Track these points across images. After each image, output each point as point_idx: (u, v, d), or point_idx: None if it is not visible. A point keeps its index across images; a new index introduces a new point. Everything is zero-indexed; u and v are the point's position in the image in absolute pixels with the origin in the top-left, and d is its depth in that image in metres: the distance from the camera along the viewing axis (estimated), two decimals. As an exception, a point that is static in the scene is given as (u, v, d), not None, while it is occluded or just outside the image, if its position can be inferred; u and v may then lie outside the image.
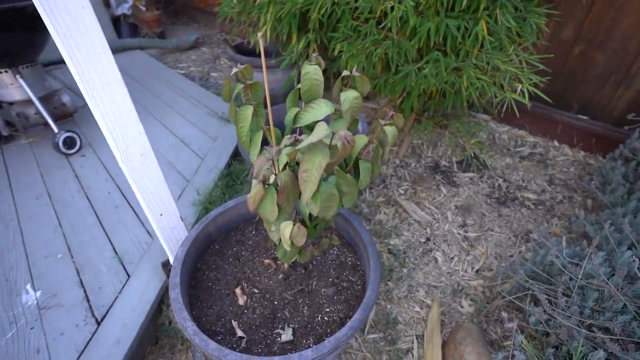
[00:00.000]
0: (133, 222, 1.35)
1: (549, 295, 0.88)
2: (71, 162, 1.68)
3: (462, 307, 1.16)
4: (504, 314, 0.91)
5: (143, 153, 0.84)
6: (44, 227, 1.34)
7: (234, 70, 0.60)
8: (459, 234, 1.42)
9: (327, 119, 1.42)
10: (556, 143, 1.84)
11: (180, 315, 0.74)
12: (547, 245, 1.05)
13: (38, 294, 1.11)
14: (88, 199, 1.47)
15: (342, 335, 0.71)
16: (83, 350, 0.94)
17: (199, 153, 1.76)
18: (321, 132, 0.54)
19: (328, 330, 0.80)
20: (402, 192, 1.61)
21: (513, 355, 0.76)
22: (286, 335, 0.78)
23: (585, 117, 1.70)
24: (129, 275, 1.15)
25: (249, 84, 0.64)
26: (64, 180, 1.57)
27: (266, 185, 0.64)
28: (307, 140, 0.54)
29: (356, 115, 0.72)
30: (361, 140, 0.74)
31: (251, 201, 0.61)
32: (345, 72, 0.70)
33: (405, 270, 1.28)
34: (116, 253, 1.23)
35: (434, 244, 1.39)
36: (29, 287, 1.13)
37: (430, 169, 1.74)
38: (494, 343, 1.03)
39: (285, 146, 0.66)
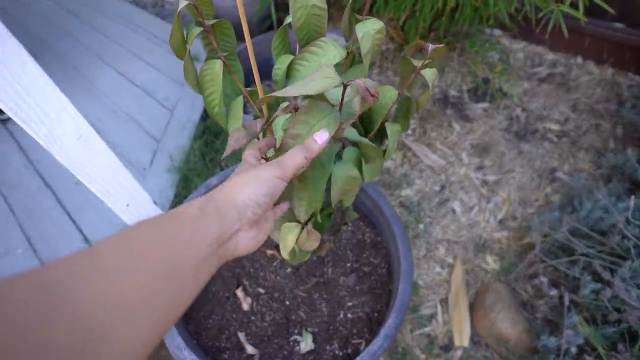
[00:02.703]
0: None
1: (603, 260, 0.76)
2: (10, 131, 1.38)
3: (487, 263, 1.06)
4: (542, 279, 0.80)
5: (80, 135, 0.59)
6: (-7, 216, 1.12)
7: (181, 3, 0.34)
8: (477, 178, 1.27)
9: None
10: (580, 60, 1.60)
11: (173, 344, 0.58)
12: (580, 189, 0.91)
13: (2, 299, 0.94)
14: (40, 175, 1.22)
15: (377, 347, 0.57)
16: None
17: (166, 104, 1.47)
18: (325, 80, 0.32)
19: (354, 331, 0.67)
20: (409, 132, 1.41)
21: (568, 341, 0.66)
22: (305, 343, 0.65)
23: (621, 25, 1.45)
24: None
25: (209, 26, 0.39)
26: (5, 155, 1.29)
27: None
28: (300, 88, 0.32)
29: (375, 57, 0.48)
30: (389, 93, 0.52)
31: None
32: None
33: (421, 226, 1.15)
34: (87, 241, 1.05)
35: (450, 192, 1.24)
36: (-11, 292, 0.96)
37: (439, 102, 1.51)
38: (525, 304, 0.95)
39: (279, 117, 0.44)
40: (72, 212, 1.12)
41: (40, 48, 1.74)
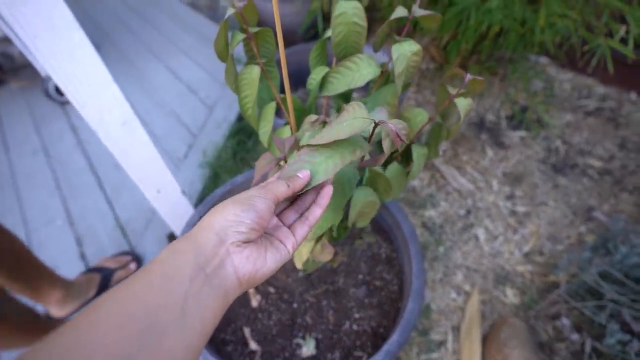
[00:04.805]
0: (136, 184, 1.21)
1: (634, 310, 0.71)
2: (67, 111, 1.51)
3: (505, 296, 1.02)
4: (565, 321, 0.76)
5: (125, 122, 0.65)
6: (42, 188, 1.22)
7: (229, 11, 0.37)
8: (505, 207, 1.22)
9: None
10: (633, 96, 1.52)
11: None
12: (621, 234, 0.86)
13: (38, 265, 1.02)
14: (86, 155, 1.32)
15: (377, 363, 0.57)
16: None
17: (207, 101, 1.55)
18: (358, 122, 0.32)
19: (358, 343, 0.67)
20: (440, 153, 1.39)
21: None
22: (308, 348, 0.66)
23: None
24: (132, 249, 1.04)
25: (252, 33, 0.42)
26: (60, 133, 1.41)
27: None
28: (328, 134, 0.32)
29: (411, 78, 0.49)
30: (419, 117, 0.52)
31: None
32: (399, 11, 0.45)
33: (441, 249, 1.12)
34: (118, 221, 1.11)
35: (476, 218, 1.20)
36: (28, 257, 1.04)
37: (475, 126, 1.48)
38: (544, 345, 0.90)
39: (307, 134, 0.46)
40: (109, 192, 1.21)
41: (105, 42, 1.89)
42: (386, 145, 0.33)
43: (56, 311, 0.89)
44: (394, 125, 0.32)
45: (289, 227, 0.33)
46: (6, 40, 1.43)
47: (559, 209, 1.21)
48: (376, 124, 0.32)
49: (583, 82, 1.61)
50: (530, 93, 1.53)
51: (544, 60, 1.70)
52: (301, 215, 0.34)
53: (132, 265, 0.98)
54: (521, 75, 1.52)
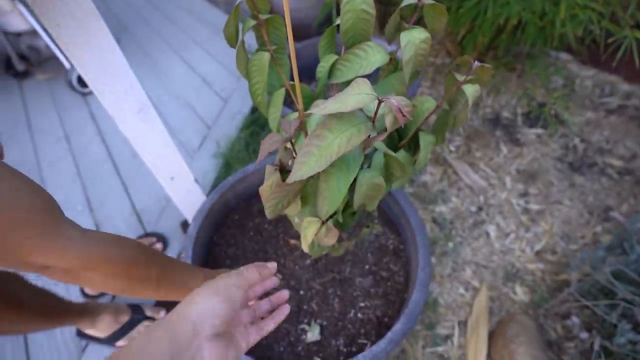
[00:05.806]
0: (151, 173, 1.25)
1: (646, 309, 0.69)
2: (88, 102, 1.56)
3: (515, 293, 1.01)
4: (575, 319, 0.75)
5: (140, 109, 0.67)
6: (64, 175, 1.28)
7: (240, -3, 0.39)
8: (518, 204, 1.20)
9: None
10: (658, 93, 1.46)
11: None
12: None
13: (59, 247, 1.07)
14: (106, 145, 1.37)
15: (380, 349, 0.58)
16: (102, 315, 0.91)
17: (222, 94, 1.57)
18: (361, 97, 0.33)
19: (362, 331, 0.68)
20: (453, 149, 1.38)
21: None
22: (312, 333, 0.67)
23: None
24: (147, 236, 1.07)
25: (263, 20, 0.43)
26: (81, 123, 1.47)
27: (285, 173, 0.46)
28: (331, 105, 0.33)
29: (420, 67, 0.49)
30: (426, 104, 0.52)
31: (264, 194, 0.45)
32: (407, -1, 0.45)
33: (451, 245, 1.12)
34: (135, 208, 1.15)
35: (487, 214, 1.19)
36: (50, 239, 1.09)
37: (490, 122, 1.45)
38: (552, 344, 0.89)
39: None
40: (126, 181, 1.25)
41: (124, 34, 1.95)
42: (388, 121, 0.34)
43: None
44: (397, 101, 0.32)
45: (245, 327, 0.35)
46: (33, 33, 1.49)
47: (575, 208, 1.18)
48: (380, 101, 0.33)
49: (606, 79, 1.56)
50: (549, 90, 1.49)
51: (564, 56, 1.65)
52: (253, 322, 0.36)
53: (159, 245, 1.02)
54: (540, 71, 1.48)
